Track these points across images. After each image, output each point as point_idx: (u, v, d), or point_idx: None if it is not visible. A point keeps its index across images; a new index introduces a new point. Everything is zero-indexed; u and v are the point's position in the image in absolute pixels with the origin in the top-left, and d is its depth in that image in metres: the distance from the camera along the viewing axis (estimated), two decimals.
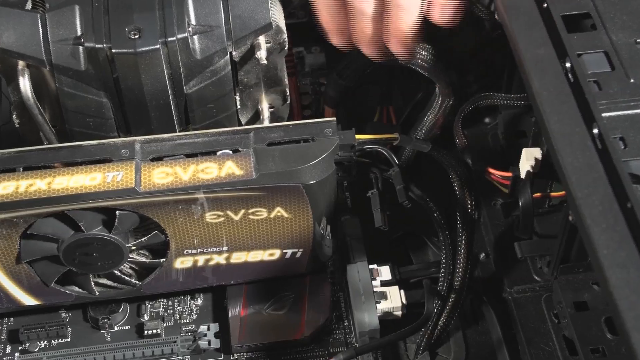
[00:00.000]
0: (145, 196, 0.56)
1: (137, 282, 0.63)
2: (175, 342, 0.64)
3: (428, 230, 0.70)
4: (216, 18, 0.59)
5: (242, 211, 0.58)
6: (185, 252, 0.61)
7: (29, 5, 0.59)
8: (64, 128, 0.62)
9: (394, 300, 0.63)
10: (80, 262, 0.59)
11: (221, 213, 0.58)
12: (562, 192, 0.63)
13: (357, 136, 0.61)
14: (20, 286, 0.61)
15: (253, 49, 0.61)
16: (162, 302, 0.66)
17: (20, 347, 0.64)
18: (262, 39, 0.60)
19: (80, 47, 0.57)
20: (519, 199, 0.62)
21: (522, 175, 0.64)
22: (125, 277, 0.63)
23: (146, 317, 0.65)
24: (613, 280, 0.42)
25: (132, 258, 0.61)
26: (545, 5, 0.53)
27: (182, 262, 0.61)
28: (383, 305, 0.62)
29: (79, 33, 0.57)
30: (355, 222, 0.66)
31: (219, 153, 0.58)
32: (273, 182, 0.57)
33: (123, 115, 0.61)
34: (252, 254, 0.62)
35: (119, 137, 0.62)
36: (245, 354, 0.63)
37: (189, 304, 0.66)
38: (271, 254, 0.62)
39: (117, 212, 0.57)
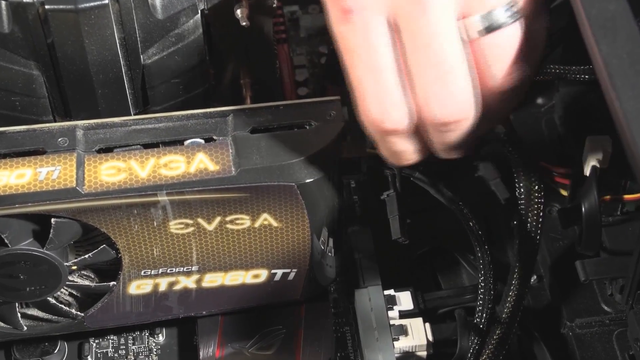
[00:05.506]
0: (89, 199, 0.56)
1: (78, 313, 0.63)
2: None
3: (461, 244, 0.70)
4: None
5: (218, 219, 0.58)
6: (142, 273, 0.61)
7: None
8: None
9: (417, 336, 0.63)
10: (3, 287, 0.59)
11: (190, 221, 0.58)
12: (639, 195, 0.64)
13: None
14: None
15: (231, 5, 0.61)
16: (112, 339, 0.66)
17: None
18: None
19: (2, 2, 0.57)
20: (582, 203, 0.62)
21: (586, 172, 0.64)
22: (62, 306, 0.62)
23: None
24: None
25: (73, 281, 0.61)
26: None
27: (139, 287, 0.62)
28: (403, 343, 0.63)
29: None
30: (366, 234, 0.66)
31: (187, 142, 0.58)
32: (258, 180, 0.57)
33: (60, 93, 0.61)
34: (231, 275, 0.62)
35: (55, 121, 0.62)
36: None
37: (148, 341, 0.66)
38: (256, 276, 0.62)
39: (53, 220, 0.57)
